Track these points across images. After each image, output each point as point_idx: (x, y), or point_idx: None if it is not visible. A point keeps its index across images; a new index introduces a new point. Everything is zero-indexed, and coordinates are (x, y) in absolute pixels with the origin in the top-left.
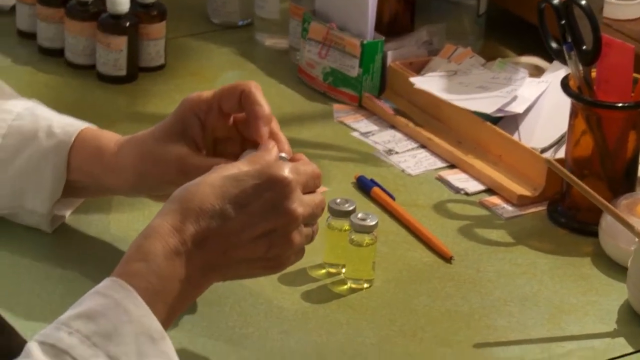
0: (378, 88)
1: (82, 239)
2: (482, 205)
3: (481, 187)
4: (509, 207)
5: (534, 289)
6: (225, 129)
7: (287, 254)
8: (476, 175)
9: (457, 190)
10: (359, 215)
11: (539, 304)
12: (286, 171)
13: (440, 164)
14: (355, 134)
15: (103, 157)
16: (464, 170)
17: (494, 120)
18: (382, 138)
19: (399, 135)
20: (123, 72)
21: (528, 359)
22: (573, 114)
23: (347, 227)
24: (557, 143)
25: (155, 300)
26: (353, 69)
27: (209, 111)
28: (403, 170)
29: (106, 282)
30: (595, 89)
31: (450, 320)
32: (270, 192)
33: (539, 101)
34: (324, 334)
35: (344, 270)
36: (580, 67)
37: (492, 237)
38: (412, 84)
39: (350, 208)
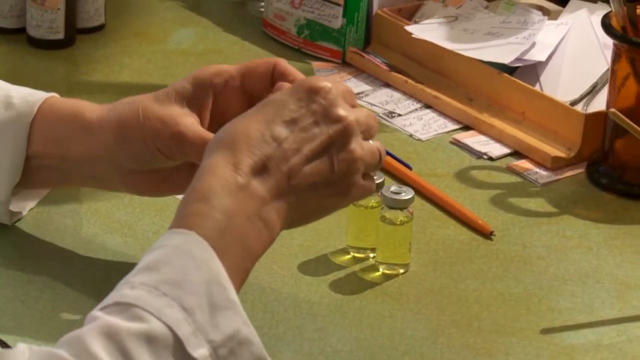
0: (363, 41)
1: (56, 234)
2: (511, 170)
3: (506, 150)
4: (543, 172)
5: (592, 264)
6: (236, 111)
7: (352, 172)
8: (497, 137)
9: (478, 155)
10: (392, 189)
11: (601, 280)
12: (323, 81)
13: (451, 125)
14: None
15: (77, 119)
16: (482, 132)
17: (508, 71)
18: (379, 99)
19: (397, 94)
20: (60, 35)
21: (605, 343)
22: (616, 57)
23: (374, 203)
24: (589, 93)
25: (226, 238)
26: (336, 19)
27: (225, 87)
28: (411, 135)
29: (161, 237)
30: None
31: (505, 305)
32: (314, 103)
33: (560, 47)
34: (366, 329)
35: (372, 254)
36: (624, 4)
37: (530, 207)
38: (406, 35)
39: (379, 180)
